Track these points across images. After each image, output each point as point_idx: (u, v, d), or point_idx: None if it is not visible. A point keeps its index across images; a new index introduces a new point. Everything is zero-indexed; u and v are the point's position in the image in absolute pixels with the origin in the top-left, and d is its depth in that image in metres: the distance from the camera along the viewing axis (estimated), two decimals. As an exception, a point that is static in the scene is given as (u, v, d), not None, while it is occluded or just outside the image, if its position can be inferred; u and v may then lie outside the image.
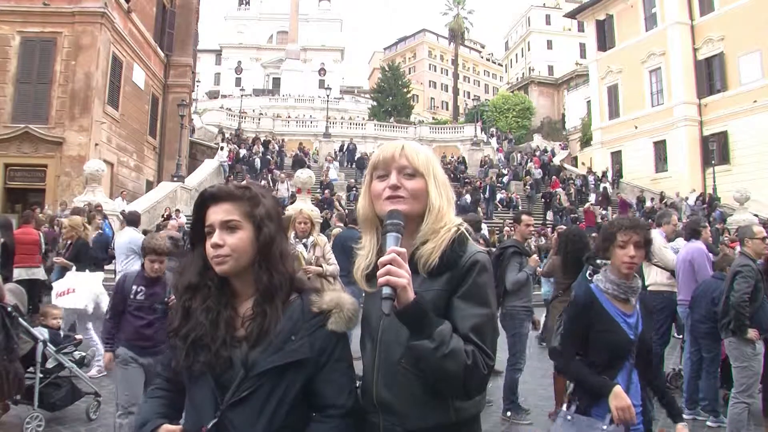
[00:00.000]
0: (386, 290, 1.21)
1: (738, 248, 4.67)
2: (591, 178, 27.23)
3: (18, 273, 7.24)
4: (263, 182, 20.22)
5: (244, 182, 1.50)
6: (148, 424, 1.35)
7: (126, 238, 7.18)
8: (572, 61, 51.82)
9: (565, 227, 11.16)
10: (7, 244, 6.90)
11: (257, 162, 24.84)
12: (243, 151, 26.00)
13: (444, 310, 1.33)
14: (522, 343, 5.01)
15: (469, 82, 73.84)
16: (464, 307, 1.31)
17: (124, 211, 11.52)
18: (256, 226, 1.36)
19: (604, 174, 27.92)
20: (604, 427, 2.11)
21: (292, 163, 25.00)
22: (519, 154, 32.92)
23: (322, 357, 1.34)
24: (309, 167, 21.22)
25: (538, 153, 32.98)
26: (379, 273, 1.22)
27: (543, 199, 23.19)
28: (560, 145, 38.06)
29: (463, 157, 30.26)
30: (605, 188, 25.34)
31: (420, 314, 1.24)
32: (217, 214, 1.35)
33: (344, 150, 29.57)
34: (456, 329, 1.29)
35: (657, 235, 5.96)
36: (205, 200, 1.38)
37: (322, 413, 1.35)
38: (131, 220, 7.68)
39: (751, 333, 4.09)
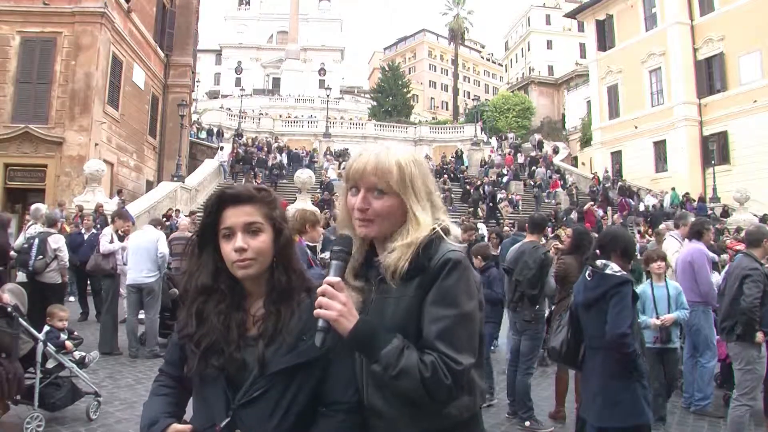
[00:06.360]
0: (321, 322, 1.23)
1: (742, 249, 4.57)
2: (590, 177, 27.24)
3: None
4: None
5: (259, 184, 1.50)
6: (158, 425, 1.34)
7: (149, 237, 7.04)
8: (572, 61, 51.81)
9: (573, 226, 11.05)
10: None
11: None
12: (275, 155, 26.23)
13: (419, 315, 1.29)
14: (539, 348, 5.01)
15: (469, 82, 73.80)
16: (431, 311, 1.27)
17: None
18: (275, 228, 1.36)
19: (606, 175, 27.88)
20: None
21: (288, 163, 25.10)
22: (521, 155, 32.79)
23: (329, 354, 1.34)
24: (308, 167, 21.27)
25: (538, 151, 32.95)
26: (315, 303, 1.24)
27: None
28: (553, 148, 37.78)
29: (461, 151, 30.00)
30: (606, 188, 25.28)
31: (360, 342, 1.24)
32: (238, 216, 1.32)
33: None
34: (424, 336, 1.27)
35: (670, 238, 5.93)
36: (224, 201, 1.34)
37: (328, 408, 1.35)
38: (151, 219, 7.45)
39: (759, 336, 4.00)
